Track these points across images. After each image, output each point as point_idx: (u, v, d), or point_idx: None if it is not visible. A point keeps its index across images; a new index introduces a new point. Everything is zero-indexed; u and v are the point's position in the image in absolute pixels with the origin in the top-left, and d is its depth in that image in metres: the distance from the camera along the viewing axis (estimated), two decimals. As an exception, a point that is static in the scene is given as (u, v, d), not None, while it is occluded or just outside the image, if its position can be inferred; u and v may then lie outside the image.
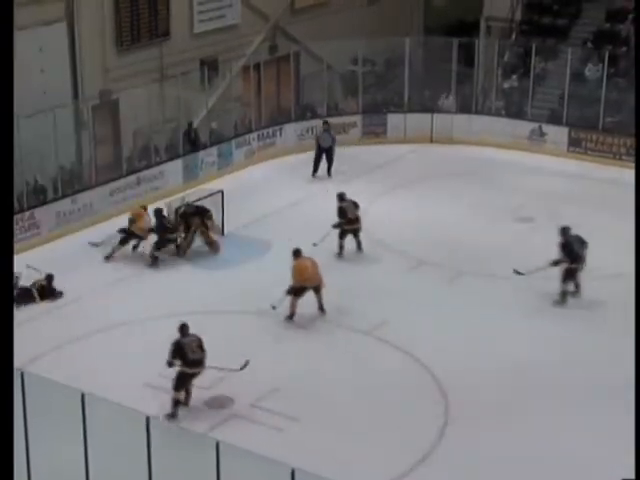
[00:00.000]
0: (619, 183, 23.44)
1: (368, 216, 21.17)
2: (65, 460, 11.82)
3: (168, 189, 22.18)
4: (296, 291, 16.72)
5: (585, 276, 17.72)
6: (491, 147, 25.68)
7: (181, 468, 11.31)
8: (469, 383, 14.81)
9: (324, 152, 24.02)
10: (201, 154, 23.74)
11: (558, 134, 25.63)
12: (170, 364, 13.92)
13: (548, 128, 25.88)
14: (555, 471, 12.85)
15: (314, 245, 18.37)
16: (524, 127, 26.14)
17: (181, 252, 19.40)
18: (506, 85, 27.56)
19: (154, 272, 18.71)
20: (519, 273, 17.79)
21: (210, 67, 24.58)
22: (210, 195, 20.35)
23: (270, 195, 22.41)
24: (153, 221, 19.35)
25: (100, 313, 16.87)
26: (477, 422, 13.84)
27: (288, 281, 16.79)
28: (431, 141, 26.40)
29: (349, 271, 18.59)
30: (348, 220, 19.28)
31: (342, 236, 19.30)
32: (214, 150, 24.10)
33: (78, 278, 18.12)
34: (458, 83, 27.34)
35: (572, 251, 17.26)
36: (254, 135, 25.17)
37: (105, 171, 21.97)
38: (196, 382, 14.39)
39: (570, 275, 17.42)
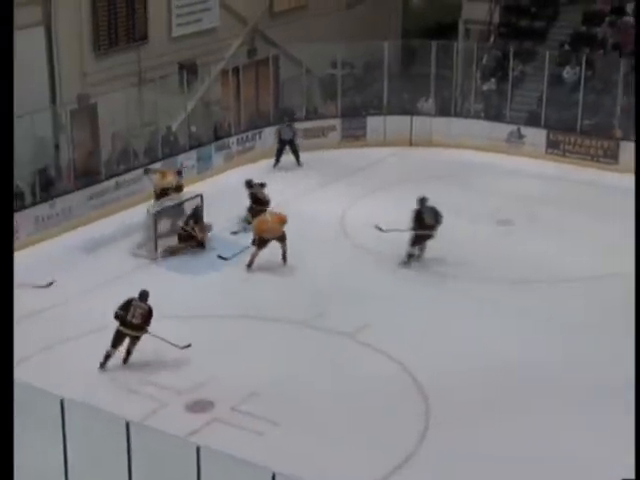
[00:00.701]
0: (597, 185, 23.61)
1: (348, 219, 21.26)
2: (45, 465, 11.76)
3: (147, 193, 22.11)
4: (258, 243, 18.59)
5: (563, 278, 17.83)
6: (470, 150, 25.76)
7: (161, 473, 11.27)
8: (451, 385, 14.82)
9: (286, 145, 24.77)
10: (180, 158, 23.70)
11: (536, 136, 25.74)
12: (116, 316, 15.23)
13: (526, 130, 25.99)
14: (541, 471, 12.89)
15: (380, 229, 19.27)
16: (503, 129, 26.23)
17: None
18: (485, 88, 27.65)
19: (135, 276, 18.64)
20: (380, 229, 19.37)
21: (189, 71, 24.54)
22: (189, 199, 20.33)
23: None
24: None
25: (82, 318, 16.75)
26: (459, 424, 13.85)
27: (270, 285, 16.85)
28: (410, 144, 26.45)
29: (330, 274, 18.59)
30: (425, 226, 18.98)
31: (415, 243, 19.01)
32: (193, 154, 24.06)
33: (59, 282, 18.03)
34: (437, 86, 27.41)
35: (422, 220, 18.78)
36: (233, 139, 25.16)
37: (84, 175, 21.88)
38: (176, 385, 14.39)
39: (418, 241, 18.92)
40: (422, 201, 19.13)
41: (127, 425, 10.73)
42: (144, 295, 15.38)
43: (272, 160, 24.97)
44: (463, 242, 20.17)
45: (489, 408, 14.30)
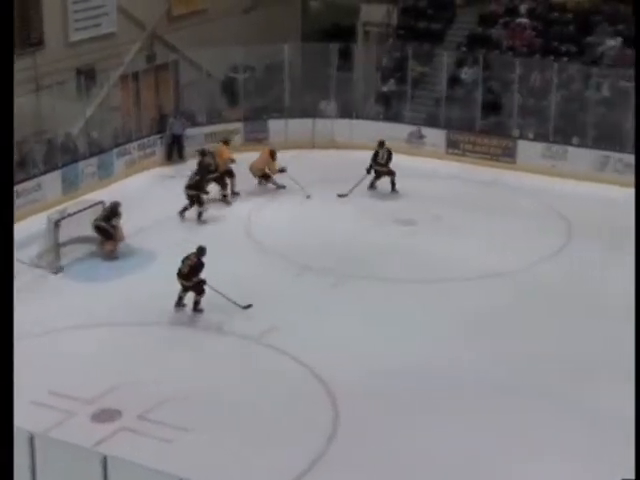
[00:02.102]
0: (497, 184, 24.05)
1: (252, 223, 21.24)
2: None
3: (47, 201, 21.74)
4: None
5: (465, 277, 18.11)
6: (371, 151, 25.88)
7: (68, 485, 11.09)
8: (358, 386, 14.89)
9: (176, 139, 25.23)
10: (81, 165, 23.35)
11: (436, 137, 26.09)
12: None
13: (426, 131, 26.31)
14: (447, 470, 13.03)
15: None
16: (403, 130, 26.51)
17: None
18: (384, 89, 27.92)
19: (36, 287, 18.31)
20: (343, 195, 22.25)
21: (87, 76, 24.19)
22: (91, 206, 20.03)
23: (152, 205, 22.18)
24: None
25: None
26: (366, 425, 13.95)
27: (175, 291, 16.80)
28: (313, 146, 26.55)
29: (236, 278, 18.53)
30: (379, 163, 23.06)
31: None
32: (94, 160, 23.74)
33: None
34: (338, 88, 27.58)
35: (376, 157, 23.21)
36: (134, 144, 24.91)
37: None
38: (82, 395, 14.23)
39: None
40: (381, 144, 23.27)
41: (31, 438, 10.54)
42: (200, 250, 17.00)
43: (175, 165, 24.92)
44: (366, 243, 20.33)
45: (395, 408, 14.42)
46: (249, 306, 17.12)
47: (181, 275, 17.00)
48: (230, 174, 23.01)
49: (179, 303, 17.20)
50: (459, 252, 19.89)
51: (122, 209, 19.85)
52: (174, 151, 25.52)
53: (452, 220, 21.69)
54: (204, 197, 21.62)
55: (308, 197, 22.54)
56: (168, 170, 24.98)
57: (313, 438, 13.65)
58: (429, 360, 15.69)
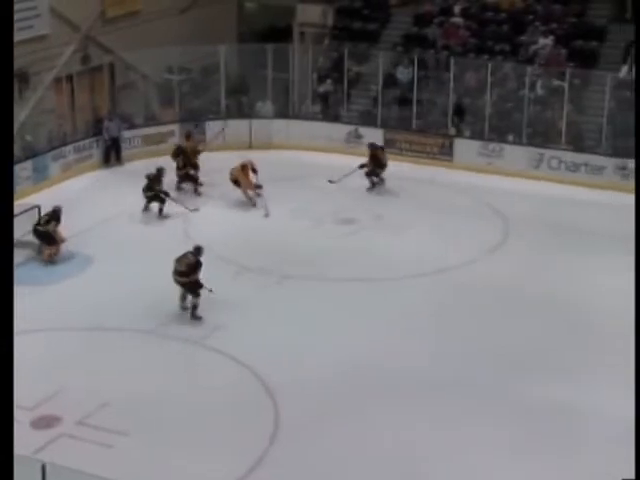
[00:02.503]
0: (434, 182, 24.22)
1: (190, 225, 21.15)
2: None
3: (-19, 207, 21.39)
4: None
5: (406, 274, 18.25)
6: (309, 151, 26.01)
7: (7, 494, 10.94)
8: (299, 386, 14.91)
9: (113, 141, 25.06)
10: (15, 168, 22.97)
11: (373, 136, 26.15)
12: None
13: (364, 130, 26.42)
14: (389, 468, 13.11)
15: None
16: (341, 130, 26.60)
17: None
18: (321, 89, 27.98)
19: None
20: (331, 182, 23.05)
21: (20, 79, 23.88)
22: (26, 211, 19.75)
23: (89, 208, 21.97)
24: None
25: None
26: (308, 425, 13.99)
27: (114, 295, 16.66)
28: (250, 147, 26.51)
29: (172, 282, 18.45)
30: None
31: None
32: (29, 164, 23.44)
33: None
34: (274, 89, 27.58)
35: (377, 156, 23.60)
36: (70, 148, 24.64)
37: None
38: (19, 402, 13.99)
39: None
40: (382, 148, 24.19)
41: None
42: (197, 250, 17.14)
43: (112, 168, 24.75)
44: (306, 243, 20.37)
45: (337, 408, 14.47)
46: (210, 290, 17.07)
47: (178, 273, 16.96)
48: (195, 167, 23.38)
49: (184, 306, 17.25)
50: (399, 250, 20.02)
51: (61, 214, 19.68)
52: (112, 154, 25.29)
53: (391, 219, 21.82)
54: (162, 195, 21.69)
55: (266, 216, 22.07)
56: (106, 173, 24.76)
57: (254, 440, 13.62)
58: (368, 358, 15.75)
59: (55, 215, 19.65)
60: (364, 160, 23.61)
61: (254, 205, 22.32)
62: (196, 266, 16.95)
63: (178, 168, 23.18)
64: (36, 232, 19.56)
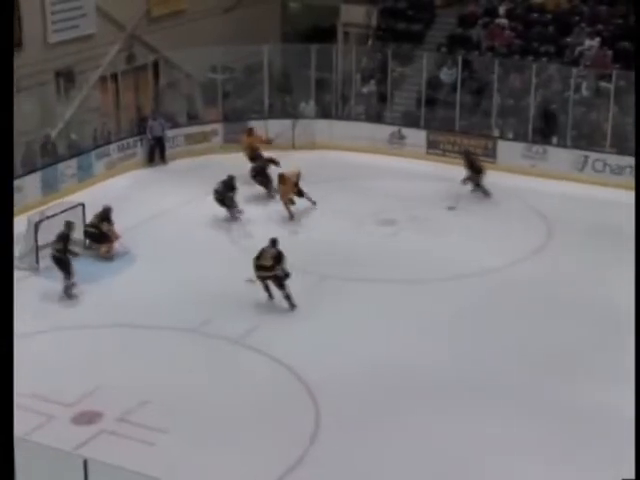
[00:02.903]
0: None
1: (234, 224, 21.23)
2: None
3: (27, 204, 21.63)
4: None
5: (447, 276, 18.14)
6: (352, 152, 25.98)
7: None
8: (340, 386, 14.91)
9: (157, 141, 25.07)
10: (60, 166, 23.27)
11: (417, 137, 26.12)
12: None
13: (407, 131, 26.35)
14: (426, 469, 13.06)
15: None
16: (384, 131, 26.56)
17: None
18: (365, 90, 27.94)
19: (17, 288, 18.16)
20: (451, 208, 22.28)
21: (66, 78, 24.13)
22: (71, 208, 19.94)
23: (133, 207, 22.10)
24: None
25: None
26: (348, 425, 13.96)
27: (156, 292, 16.69)
28: (293, 147, 26.54)
29: (215, 280, 18.50)
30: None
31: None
32: (74, 162, 23.66)
33: None
34: (318, 89, 27.59)
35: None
36: (114, 146, 24.83)
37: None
38: (61, 398, 14.19)
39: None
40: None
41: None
42: (274, 242, 17.61)
43: (155, 167, 24.91)
44: (347, 243, 20.35)
45: (377, 408, 14.45)
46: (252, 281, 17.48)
47: (264, 268, 17.40)
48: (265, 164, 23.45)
49: (270, 295, 17.64)
50: (439, 252, 19.94)
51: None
52: (156, 153, 25.44)
53: (432, 220, 21.73)
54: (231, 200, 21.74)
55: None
56: (149, 172, 24.91)
57: (295, 439, 13.63)
58: (407, 359, 15.71)
59: (105, 215, 19.80)
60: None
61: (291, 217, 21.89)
62: (279, 257, 17.40)
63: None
64: (87, 233, 19.66)
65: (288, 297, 17.39)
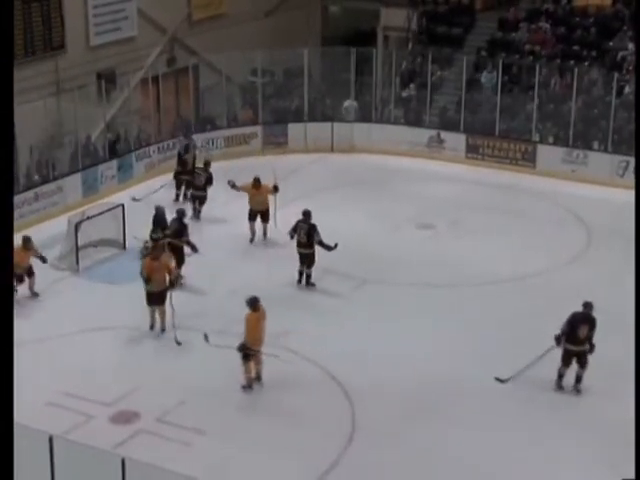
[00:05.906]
0: (516, 188, 23.98)
1: (272, 227, 21.24)
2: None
3: (68, 204, 21.86)
4: (249, 216, 20.45)
5: (486, 281, 18.08)
6: (391, 155, 25.97)
7: (87, 487, 11.13)
8: (375, 391, 14.88)
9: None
10: (101, 168, 23.46)
11: (456, 141, 26.05)
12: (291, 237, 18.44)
13: (446, 135, 26.27)
14: (461, 476, 13.00)
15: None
16: (423, 135, 26.50)
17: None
18: (404, 94, 27.89)
19: (57, 288, 18.38)
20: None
21: (107, 80, 24.32)
22: (110, 209, 20.11)
23: (172, 208, 22.16)
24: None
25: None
26: (385, 427, 13.94)
27: (191, 295, 16.69)
28: (332, 150, 26.57)
29: (250, 282, 18.49)
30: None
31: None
32: (114, 163, 23.85)
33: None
34: (357, 92, 27.60)
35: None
36: (154, 148, 25.00)
37: None
38: (100, 397, 14.28)
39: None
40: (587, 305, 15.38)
41: (50, 439, 10.57)
42: (307, 214, 18.12)
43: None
44: (385, 247, 20.32)
45: (413, 412, 14.40)
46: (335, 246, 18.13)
47: (301, 245, 18.08)
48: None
49: (300, 280, 18.36)
50: (478, 257, 19.85)
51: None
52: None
53: (471, 224, 21.65)
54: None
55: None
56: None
57: (332, 440, 13.63)
58: (444, 363, 15.65)
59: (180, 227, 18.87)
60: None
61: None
62: (312, 231, 17.95)
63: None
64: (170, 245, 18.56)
65: (309, 276, 18.24)
